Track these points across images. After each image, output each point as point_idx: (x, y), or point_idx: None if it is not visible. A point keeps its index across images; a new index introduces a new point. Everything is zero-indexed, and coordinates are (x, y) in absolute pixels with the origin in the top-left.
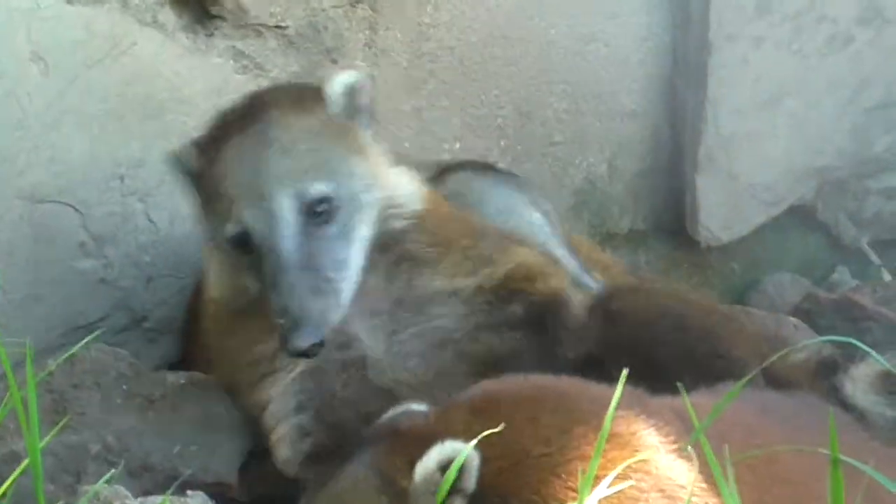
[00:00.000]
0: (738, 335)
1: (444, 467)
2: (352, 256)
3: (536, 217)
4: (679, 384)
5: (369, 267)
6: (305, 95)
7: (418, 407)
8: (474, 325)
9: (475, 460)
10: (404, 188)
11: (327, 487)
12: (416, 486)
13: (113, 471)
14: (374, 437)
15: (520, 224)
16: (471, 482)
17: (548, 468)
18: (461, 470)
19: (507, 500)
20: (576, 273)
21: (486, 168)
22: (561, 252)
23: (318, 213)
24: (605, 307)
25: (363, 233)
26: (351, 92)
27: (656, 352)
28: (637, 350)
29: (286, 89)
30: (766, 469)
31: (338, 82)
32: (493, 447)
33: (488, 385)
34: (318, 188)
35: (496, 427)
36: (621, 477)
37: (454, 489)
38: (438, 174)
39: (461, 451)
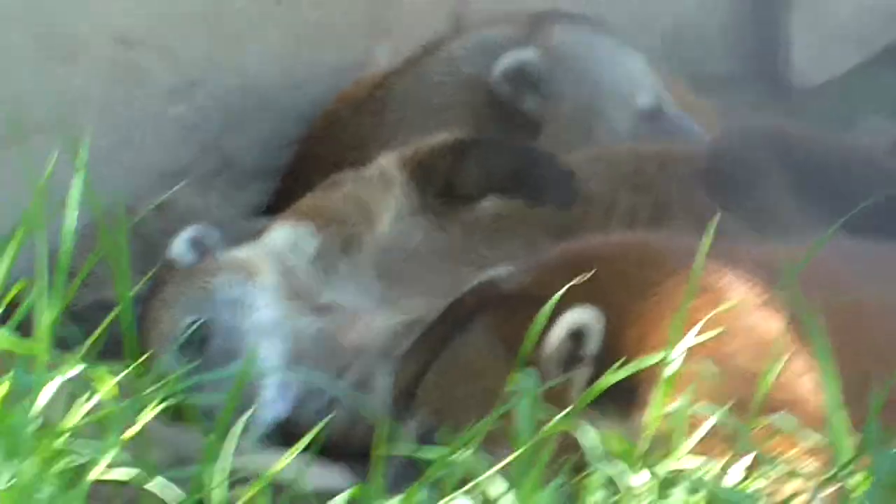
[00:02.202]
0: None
1: (572, 334)
2: None
3: (642, 62)
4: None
5: None
6: None
7: (500, 271)
8: None
9: (600, 325)
10: None
11: (442, 362)
12: (548, 357)
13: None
14: (472, 304)
15: (632, 74)
16: (596, 347)
17: (649, 323)
18: (587, 337)
19: (617, 358)
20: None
21: (578, 17)
22: (668, 97)
23: None
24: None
25: None
26: None
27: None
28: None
29: None
30: (854, 318)
31: None
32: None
33: (574, 246)
34: None
35: (595, 288)
36: (710, 327)
37: (581, 356)
38: (535, 24)
39: (589, 318)
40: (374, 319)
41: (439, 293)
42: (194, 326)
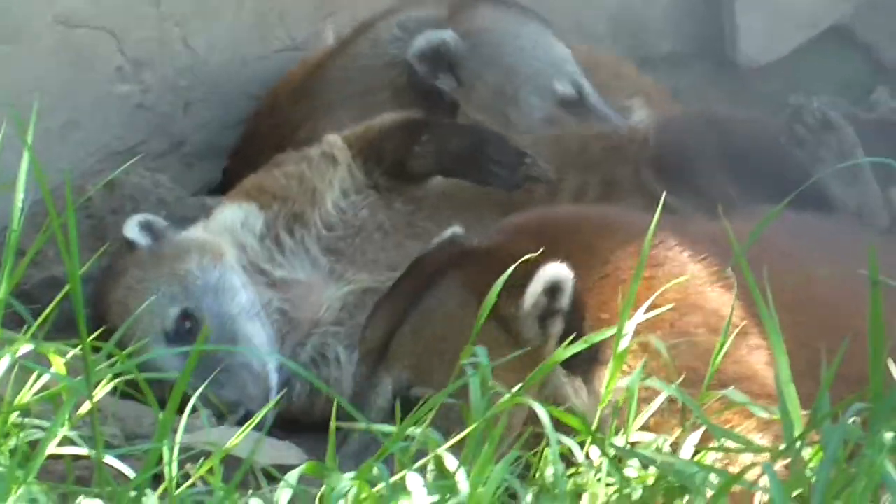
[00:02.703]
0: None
1: (547, 290)
2: None
3: (565, 51)
4: (718, 207)
5: None
6: None
7: (457, 232)
8: None
9: (571, 281)
10: None
11: (415, 317)
12: (526, 311)
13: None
14: (440, 260)
15: (553, 61)
16: (568, 302)
17: (609, 288)
18: (561, 291)
19: (582, 317)
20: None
21: (508, 2)
22: (588, 86)
23: None
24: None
25: None
26: None
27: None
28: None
29: None
30: (803, 291)
31: None
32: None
33: (537, 214)
34: None
35: (558, 251)
36: (662, 300)
37: (554, 310)
38: (457, 6)
39: (564, 274)
40: (326, 292)
41: (386, 267)
42: (176, 315)
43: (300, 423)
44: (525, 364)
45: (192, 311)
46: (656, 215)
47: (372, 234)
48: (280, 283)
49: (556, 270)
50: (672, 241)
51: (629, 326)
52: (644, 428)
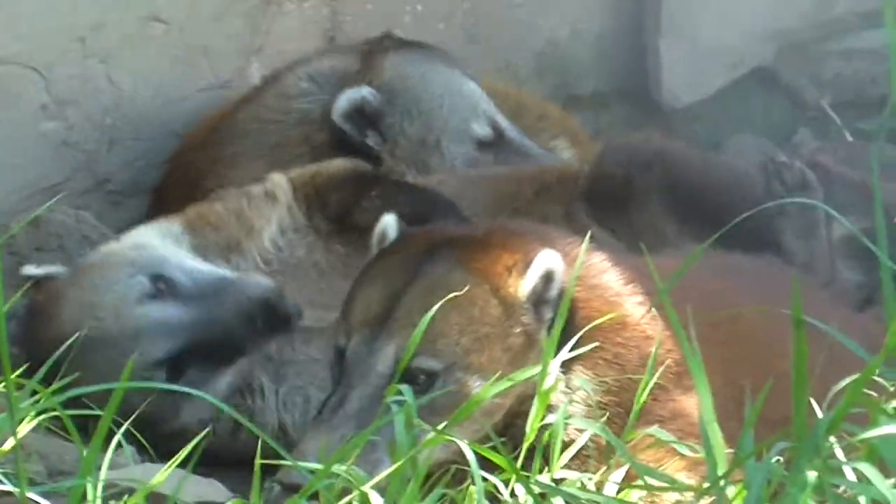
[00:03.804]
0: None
1: (543, 276)
2: None
3: (475, 88)
4: (642, 245)
5: None
6: None
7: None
8: None
9: (563, 271)
10: None
11: (420, 285)
12: (526, 297)
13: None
14: (429, 239)
15: (467, 103)
16: (557, 292)
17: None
18: (553, 280)
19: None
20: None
21: (410, 44)
22: (504, 122)
23: None
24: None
25: None
26: None
27: (644, 206)
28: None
29: None
30: (729, 328)
31: None
32: None
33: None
34: None
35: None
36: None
37: (546, 298)
38: (366, 56)
39: (558, 262)
40: None
41: (320, 306)
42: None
43: (222, 460)
44: (521, 348)
45: (159, 273)
46: (584, 244)
47: (308, 272)
48: None
49: (552, 258)
50: (608, 275)
51: (553, 366)
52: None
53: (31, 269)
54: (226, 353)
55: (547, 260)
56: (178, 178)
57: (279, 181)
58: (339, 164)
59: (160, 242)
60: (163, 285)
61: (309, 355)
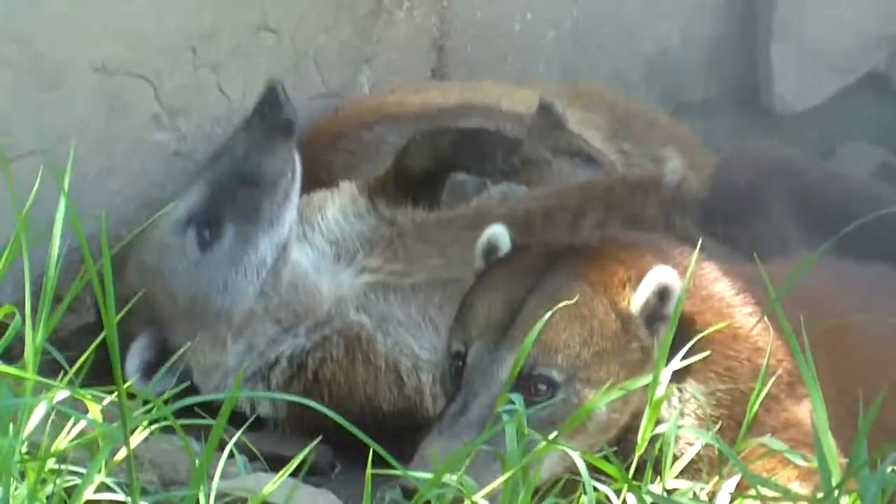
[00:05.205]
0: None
1: (657, 292)
2: None
3: None
4: (755, 254)
5: None
6: None
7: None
8: None
9: (679, 288)
10: None
11: (540, 297)
12: (638, 311)
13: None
14: (546, 250)
15: None
16: (673, 309)
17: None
18: (670, 296)
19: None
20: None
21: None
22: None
23: None
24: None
25: None
26: None
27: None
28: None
29: None
30: (841, 337)
31: None
32: None
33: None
34: None
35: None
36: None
37: (662, 315)
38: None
39: (673, 278)
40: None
41: (396, 271)
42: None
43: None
44: (638, 364)
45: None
46: (694, 255)
47: (378, 242)
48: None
49: (667, 273)
50: (719, 286)
51: (664, 375)
52: (682, 474)
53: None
54: None
55: (660, 275)
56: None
57: (345, 184)
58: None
59: None
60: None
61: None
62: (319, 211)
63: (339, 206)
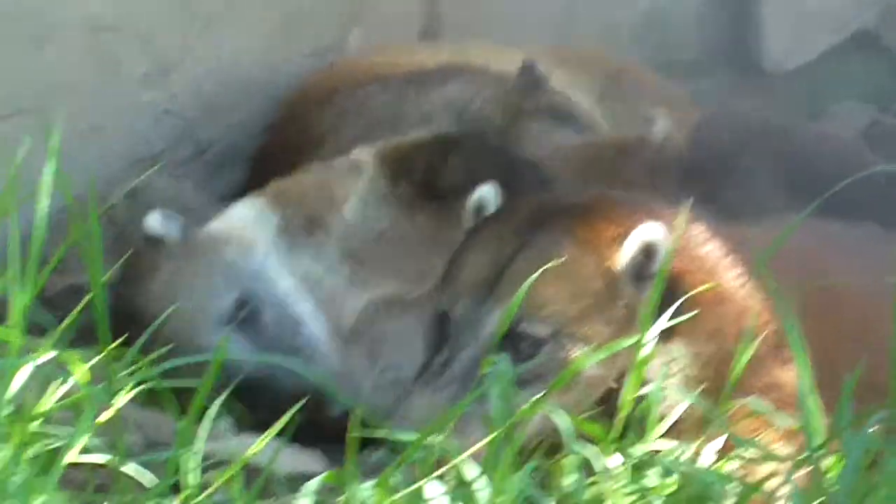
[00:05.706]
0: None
1: (643, 249)
2: None
3: None
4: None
5: None
6: None
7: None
8: None
9: (665, 245)
10: None
11: (528, 254)
12: (622, 269)
13: None
14: (535, 208)
15: None
16: (660, 264)
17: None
18: (656, 252)
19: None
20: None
21: None
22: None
23: None
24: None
25: None
26: None
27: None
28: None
29: None
30: (827, 297)
31: None
32: None
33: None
34: None
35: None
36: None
37: (649, 273)
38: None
39: (660, 235)
40: (346, 299)
41: (407, 277)
42: (232, 301)
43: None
44: (624, 323)
45: (247, 297)
46: (683, 215)
47: (393, 244)
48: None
49: (654, 230)
50: (708, 246)
51: (650, 335)
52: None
53: (153, 222)
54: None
55: (646, 232)
56: (288, 140)
57: (362, 153)
58: (420, 133)
59: (259, 235)
60: (244, 313)
61: (400, 329)
62: (334, 206)
63: (359, 195)
